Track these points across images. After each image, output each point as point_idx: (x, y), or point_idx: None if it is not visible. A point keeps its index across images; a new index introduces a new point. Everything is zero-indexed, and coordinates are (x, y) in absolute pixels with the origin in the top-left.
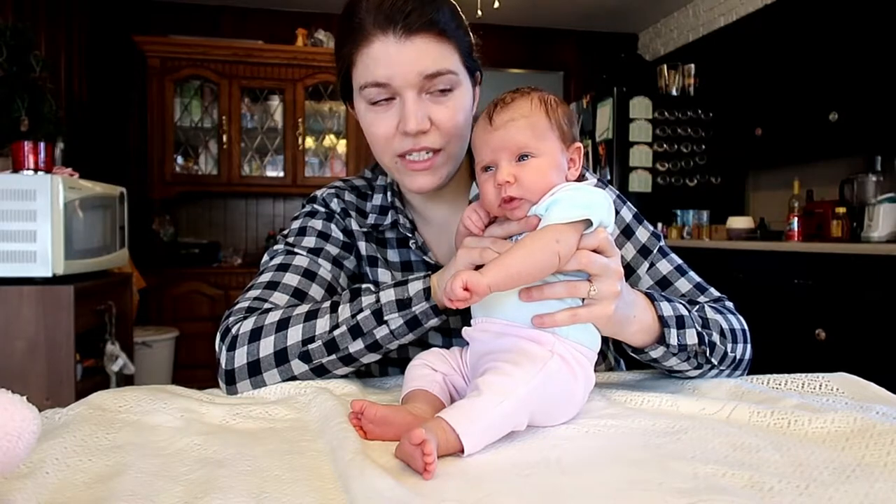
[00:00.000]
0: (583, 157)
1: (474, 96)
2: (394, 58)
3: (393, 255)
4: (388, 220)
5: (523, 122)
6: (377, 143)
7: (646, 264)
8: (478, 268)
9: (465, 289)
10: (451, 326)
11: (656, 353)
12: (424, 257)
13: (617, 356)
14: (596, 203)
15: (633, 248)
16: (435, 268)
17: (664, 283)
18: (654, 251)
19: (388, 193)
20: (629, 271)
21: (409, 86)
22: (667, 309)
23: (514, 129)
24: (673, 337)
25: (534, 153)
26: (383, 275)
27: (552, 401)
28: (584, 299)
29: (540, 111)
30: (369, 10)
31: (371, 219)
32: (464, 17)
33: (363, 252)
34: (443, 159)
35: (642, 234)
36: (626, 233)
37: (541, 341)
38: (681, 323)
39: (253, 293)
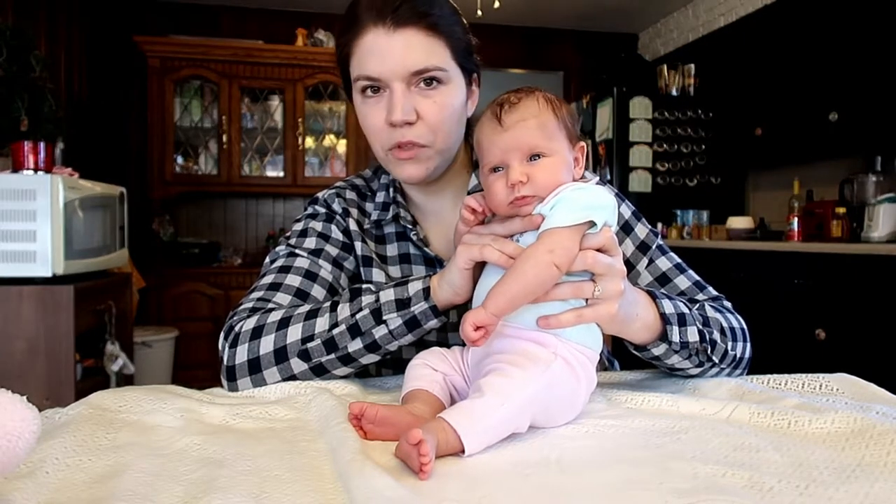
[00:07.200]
0: (585, 155)
1: (469, 96)
2: (383, 49)
3: (392, 249)
4: (390, 214)
5: (534, 122)
6: (370, 135)
7: (645, 260)
8: (478, 265)
9: (477, 328)
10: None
11: (658, 350)
12: (425, 249)
13: (611, 357)
14: (600, 203)
15: (633, 244)
16: (435, 260)
17: (663, 279)
18: (653, 248)
19: (391, 190)
20: (628, 267)
21: (396, 77)
22: (668, 306)
23: (524, 130)
24: (675, 334)
25: (545, 153)
26: (377, 275)
27: (554, 403)
28: (587, 299)
29: (548, 111)
30: (365, 4)
31: (374, 215)
32: (464, 18)
33: (359, 252)
34: (429, 153)
35: (641, 230)
36: (625, 229)
37: (543, 343)
38: (682, 320)
39: (256, 294)
